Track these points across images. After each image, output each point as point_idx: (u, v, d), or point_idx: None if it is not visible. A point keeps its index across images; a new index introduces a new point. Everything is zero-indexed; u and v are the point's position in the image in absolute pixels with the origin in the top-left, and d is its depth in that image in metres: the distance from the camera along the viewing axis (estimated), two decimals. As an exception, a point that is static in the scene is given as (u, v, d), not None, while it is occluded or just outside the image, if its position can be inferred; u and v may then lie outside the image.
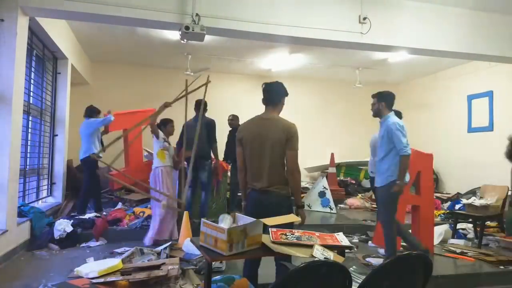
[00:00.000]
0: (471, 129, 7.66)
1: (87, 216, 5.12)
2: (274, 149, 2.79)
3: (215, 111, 8.15)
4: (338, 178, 8.19)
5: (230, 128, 6.47)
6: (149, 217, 5.03)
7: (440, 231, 5.15)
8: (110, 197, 6.53)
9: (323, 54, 7.41)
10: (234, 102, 9.04)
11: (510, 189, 5.11)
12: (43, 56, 5.39)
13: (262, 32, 4.58)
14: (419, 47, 5.16)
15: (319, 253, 2.33)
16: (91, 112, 5.68)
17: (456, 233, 5.24)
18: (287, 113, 10.48)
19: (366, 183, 8.55)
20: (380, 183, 3.88)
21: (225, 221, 2.42)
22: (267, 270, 3.71)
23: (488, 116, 7.26)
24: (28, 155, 5.04)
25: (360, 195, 7.74)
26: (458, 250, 4.56)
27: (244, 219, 2.54)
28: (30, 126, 5.03)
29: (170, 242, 4.14)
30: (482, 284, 3.77)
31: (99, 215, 5.20)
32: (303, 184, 8.45)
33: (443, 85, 8.54)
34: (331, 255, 2.30)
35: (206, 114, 5.62)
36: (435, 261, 4.14)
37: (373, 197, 7.53)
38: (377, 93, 4.23)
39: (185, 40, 4.85)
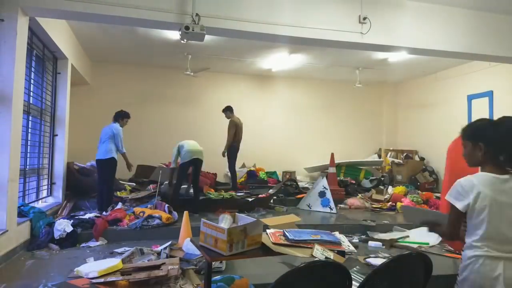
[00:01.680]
0: (471, 129, 7.66)
1: (87, 216, 5.12)
2: None
3: (216, 110, 8.19)
4: (338, 178, 8.18)
5: None
6: (149, 217, 5.03)
7: (440, 231, 5.14)
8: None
9: (323, 54, 7.41)
10: (234, 102, 9.05)
11: None
12: (43, 56, 5.39)
13: (262, 32, 4.58)
14: (419, 47, 5.16)
15: (319, 253, 2.33)
16: (117, 116, 5.94)
17: (456, 233, 5.23)
18: (287, 113, 10.55)
19: (366, 183, 8.55)
20: None
21: (225, 221, 2.43)
22: (267, 270, 3.71)
23: (488, 116, 7.25)
24: (28, 155, 5.04)
25: (360, 195, 7.74)
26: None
27: (244, 219, 2.54)
28: (30, 126, 5.02)
29: (170, 242, 4.15)
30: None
31: (99, 215, 5.19)
32: (303, 184, 8.46)
33: (443, 85, 8.54)
34: (331, 255, 2.31)
35: None
36: (435, 261, 4.14)
37: (373, 197, 7.54)
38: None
39: (185, 40, 4.86)
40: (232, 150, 7.34)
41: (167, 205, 5.41)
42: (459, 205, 1.84)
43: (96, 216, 5.08)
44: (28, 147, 5.01)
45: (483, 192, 1.82)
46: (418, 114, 9.41)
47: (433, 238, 5.04)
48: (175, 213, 5.25)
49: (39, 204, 5.40)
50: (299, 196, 7.48)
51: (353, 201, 7.20)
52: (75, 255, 4.12)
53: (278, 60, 7.93)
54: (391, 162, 9.19)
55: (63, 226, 4.53)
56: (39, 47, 5.22)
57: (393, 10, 5.00)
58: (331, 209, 6.56)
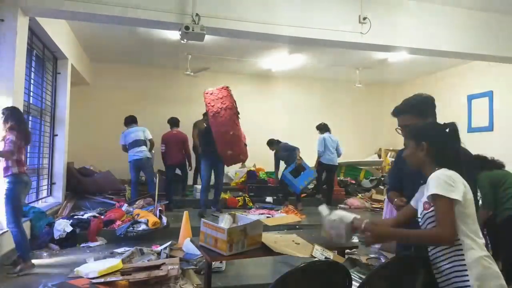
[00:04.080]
0: (471, 129, 7.66)
1: (85, 216, 5.12)
2: None
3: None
4: (338, 178, 8.18)
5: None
6: (135, 222, 4.80)
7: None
8: (110, 197, 6.51)
9: (323, 54, 7.40)
10: (234, 102, 9.03)
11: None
12: (43, 56, 5.39)
13: (262, 32, 4.58)
14: (419, 47, 5.17)
15: (319, 253, 2.33)
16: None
17: (456, 233, 5.23)
18: (287, 113, 10.52)
19: (366, 183, 8.55)
20: None
21: (225, 221, 2.43)
22: (267, 270, 3.71)
23: (488, 116, 7.26)
24: (28, 155, 5.03)
25: (360, 195, 7.74)
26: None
27: (244, 219, 2.54)
28: (30, 126, 5.03)
29: (170, 242, 4.14)
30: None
31: (96, 215, 5.18)
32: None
33: (443, 85, 8.54)
34: (331, 255, 2.31)
35: None
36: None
37: (373, 197, 7.52)
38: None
39: (185, 40, 4.85)
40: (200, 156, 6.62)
41: (159, 208, 5.29)
42: (456, 195, 1.59)
43: (93, 217, 5.06)
44: (28, 147, 5.01)
45: (466, 184, 1.65)
46: (418, 114, 9.41)
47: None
48: (165, 218, 5.01)
49: (39, 204, 5.40)
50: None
51: (353, 201, 7.20)
52: (75, 255, 4.13)
53: (278, 60, 7.93)
54: (391, 162, 9.19)
55: (63, 226, 4.53)
56: (39, 47, 5.22)
57: (393, 10, 5.00)
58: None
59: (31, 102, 4.95)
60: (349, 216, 1.89)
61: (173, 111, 8.81)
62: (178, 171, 6.93)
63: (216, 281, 3.24)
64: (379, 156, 9.75)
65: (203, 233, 2.39)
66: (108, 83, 8.43)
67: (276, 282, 1.62)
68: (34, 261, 3.85)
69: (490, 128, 7.22)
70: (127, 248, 4.10)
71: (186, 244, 3.98)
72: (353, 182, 8.56)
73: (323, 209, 2.15)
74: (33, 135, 5.21)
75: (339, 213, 1.98)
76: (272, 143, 7.53)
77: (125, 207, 5.72)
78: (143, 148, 6.23)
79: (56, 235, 4.43)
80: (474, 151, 7.90)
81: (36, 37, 4.96)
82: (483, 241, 1.65)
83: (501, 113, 7.04)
